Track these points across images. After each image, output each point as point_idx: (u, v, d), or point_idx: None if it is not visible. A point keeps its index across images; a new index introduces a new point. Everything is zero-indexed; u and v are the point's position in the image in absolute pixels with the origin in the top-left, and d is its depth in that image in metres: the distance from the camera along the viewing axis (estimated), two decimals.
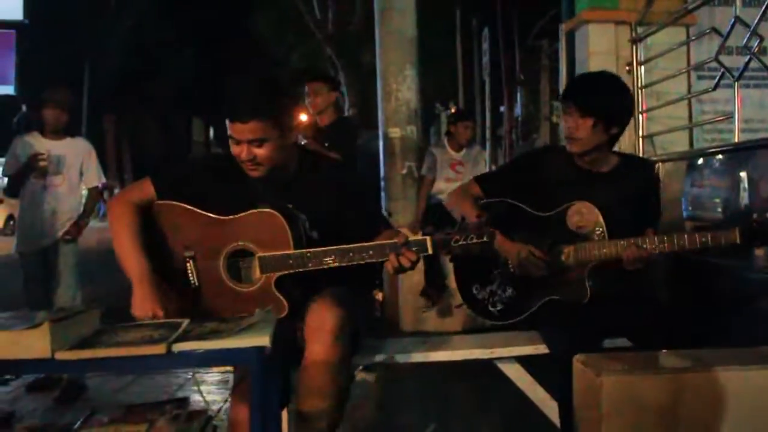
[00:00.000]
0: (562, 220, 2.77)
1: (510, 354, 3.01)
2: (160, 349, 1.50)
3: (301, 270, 2.31)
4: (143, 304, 2.24)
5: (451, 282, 3.19)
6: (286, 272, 2.33)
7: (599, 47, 5.21)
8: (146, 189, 2.51)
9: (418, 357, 3.12)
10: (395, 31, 6.63)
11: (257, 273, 2.36)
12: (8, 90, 19.72)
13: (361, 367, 3.38)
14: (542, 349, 2.84)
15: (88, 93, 32.43)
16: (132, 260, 2.35)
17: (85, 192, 4.78)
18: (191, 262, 2.43)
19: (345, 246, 2.29)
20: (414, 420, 3.83)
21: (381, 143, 6.57)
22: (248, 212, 2.38)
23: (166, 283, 2.42)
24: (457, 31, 19.48)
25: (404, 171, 6.38)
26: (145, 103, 33.94)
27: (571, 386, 2.14)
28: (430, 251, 2.26)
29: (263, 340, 1.52)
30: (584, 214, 2.74)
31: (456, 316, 5.64)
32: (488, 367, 3.06)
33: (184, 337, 1.57)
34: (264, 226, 2.35)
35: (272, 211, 2.35)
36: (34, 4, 19.63)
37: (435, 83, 17.76)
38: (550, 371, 2.75)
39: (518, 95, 18.43)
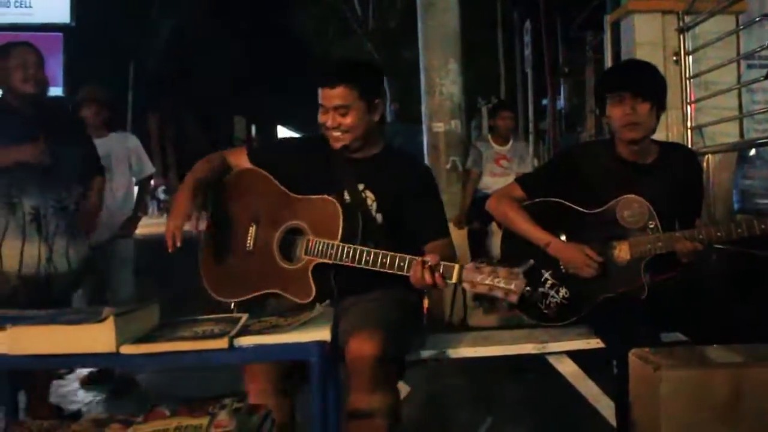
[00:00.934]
0: (613, 215, 2.74)
1: (562, 349, 2.98)
2: (222, 343, 1.53)
3: (338, 263, 2.37)
4: (179, 207, 2.44)
5: None
6: (326, 261, 2.39)
7: (646, 37, 5.14)
8: (240, 155, 2.69)
9: (467, 352, 3.10)
10: (438, 26, 6.62)
11: (302, 254, 2.45)
12: (57, 91, 20.05)
13: None
14: (594, 343, 2.81)
15: (133, 92, 33.03)
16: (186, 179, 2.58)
17: (135, 187, 4.85)
18: (254, 227, 2.56)
19: (383, 252, 2.33)
20: (463, 416, 3.82)
21: (425, 138, 6.57)
22: (316, 196, 2.48)
23: (228, 240, 2.60)
24: (499, 23, 19.35)
25: (449, 165, 6.38)
26: (188, 101, 34.36)
27: (627, 382, 2.12)
28: (453, 279, 2.23)
29: (324, 334, 1.54)
30: (635, 208, 2.70)
31: (499, 311, 5.61)
32: (536, 361, 3.05)
33: (245, 332, 1.60)
34: (322, 211, 2.44)
35: (334, 200, 2.43)
36: (81, 6, 19.97)
37: (476, 77, 17.67)
38: (601, 366, 2.73)
39: (561, 88, 18.24)
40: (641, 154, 2.77)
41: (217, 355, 1.55)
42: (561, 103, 18.38)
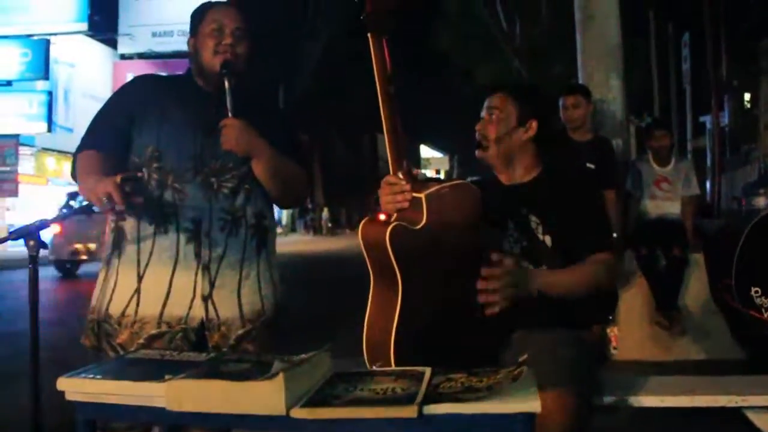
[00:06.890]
0: None
1: (765, 403, 2.59)
2: (410, 412, 1.26)
3: None
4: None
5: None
6: None
7: None
8: None
9: (652, 401, 2.76)
10: (599, 38, 6.22)
11: None
12: None
13: None
14: None
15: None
16: None
17: None
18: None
19: None
20: None
21: None
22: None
23: None
24: (652, 36, 18.49)
25: None
26: (335, 121, 35.46)
27: None
28: None
29: (533, 405, 1.24)
30: None
31: (669, 345, 5.13)
32: (729, 412, 2.69)
33: (435, 397, 1.32)
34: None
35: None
36: None
37: (628, 93, 16.93)
38: None
39: (725, 103, 17.13)
40: None
41: (404, 425, 1.28)
42: (725, 119, 17.24)
